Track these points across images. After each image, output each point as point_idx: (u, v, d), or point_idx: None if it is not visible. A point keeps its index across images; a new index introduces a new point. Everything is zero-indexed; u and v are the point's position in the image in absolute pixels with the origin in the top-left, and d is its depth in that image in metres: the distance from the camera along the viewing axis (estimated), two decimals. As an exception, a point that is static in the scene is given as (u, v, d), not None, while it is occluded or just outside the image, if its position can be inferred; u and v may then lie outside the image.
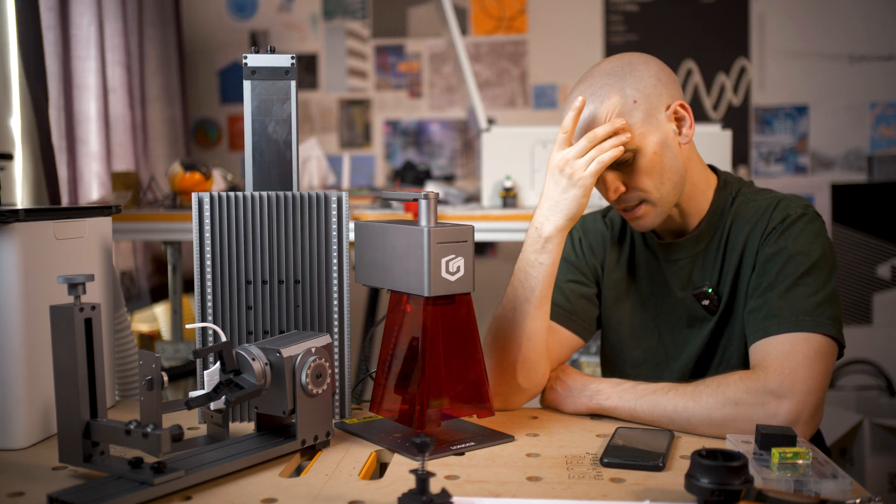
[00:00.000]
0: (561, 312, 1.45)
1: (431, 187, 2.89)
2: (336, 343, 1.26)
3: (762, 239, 1.33)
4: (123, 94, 3.03)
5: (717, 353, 1.39)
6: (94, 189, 2.82)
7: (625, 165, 1.31)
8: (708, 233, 1.39)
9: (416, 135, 3.72)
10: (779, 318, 1.24)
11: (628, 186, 1.32)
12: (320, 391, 1.10)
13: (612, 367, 1.52)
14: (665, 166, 1.31)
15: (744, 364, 1.34)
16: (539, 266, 1.29)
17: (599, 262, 1.50)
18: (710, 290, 1.37)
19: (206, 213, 1.23)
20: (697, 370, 1.41)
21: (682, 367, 1.42)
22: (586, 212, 1.59)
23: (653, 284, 1.45)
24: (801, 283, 1.26)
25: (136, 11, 3.15)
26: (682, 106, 1.33)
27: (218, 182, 2.72)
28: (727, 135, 2.44)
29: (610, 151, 1.26)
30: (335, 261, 1.26)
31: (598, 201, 2.49)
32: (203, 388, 1.20)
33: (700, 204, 1.39)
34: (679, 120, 1.34)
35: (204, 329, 1.24)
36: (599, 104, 1.29)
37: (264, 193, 1.25)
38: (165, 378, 1.02)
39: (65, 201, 2.66)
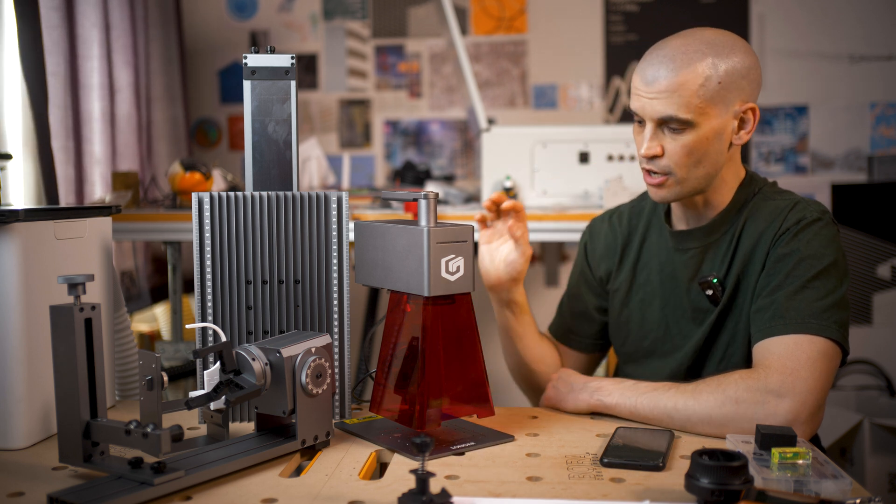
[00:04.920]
0: (585, 342, 1.59)
1: (431, 187, 2.89)
2: (336, 343, 1.26)
3: (775, 239, 1.33)
4: (129, 94, 3.03)
5: (719, 349, 1.39)
6: (98, 189, 2.82)
7: (674, 131, 1.31)
8: (721, 225, 1.39)
9: (416, 135, 3.72)
10: (785, 318, 1.24)
11: (665, 152, 1.32)
12: (320, 391, 1.10)
13: (623, 360, 1.53)
14: (708, 153, 1.32)
15: (746, 363, 1.34)
16: (497, 316, 1.52)
17: (608, 264, 1.55)
18: (714, 281, 1.38)
19: (206, 213, 1.23)
20: (697, 363, 1.41)
21: (683, 358, 1.42)
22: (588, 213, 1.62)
23: (662, 275, 1.45)
24: (810, 287, 1.26)
25: (141, 12, 3.15)
26: (752, 110, 1.33)
27: (218, 182, 2.72)
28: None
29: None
30: (335, 261, 1.26)
31: (597, 201, 2.49)
32: (203, 388, 1.20)
33: (724, 197, 1.40)
34: (742, 122, 1.33)
35: (204, 329, 1.24)
36: (685, 65, 1.28)
37: (264, 193, 1.25)
38: (165, 378, 1.02)
39: (70, 201, 2.66)
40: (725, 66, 1.28)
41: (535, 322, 1.53)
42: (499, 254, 1.43)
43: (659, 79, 1.29)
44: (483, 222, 1.44)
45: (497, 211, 1.43)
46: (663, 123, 1.31)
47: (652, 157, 1.33)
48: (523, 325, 1.50)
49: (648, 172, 1.35)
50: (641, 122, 1.35)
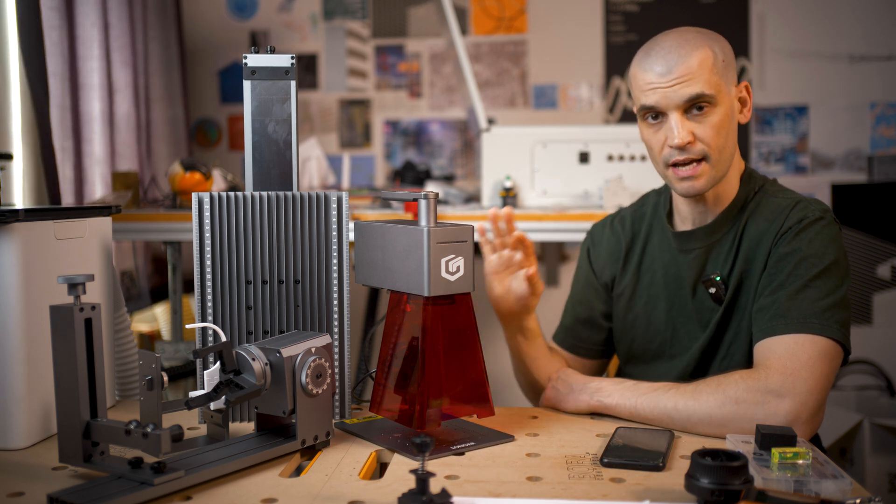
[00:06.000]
0: (593, 349, 1.58)
1: (431, 187, 2.89)
2: (336, 343, 1.26)
3: (776, 238, 1.33)
4: (128, 94, 3.03)
5: (722, 348, 1.39)
6: (98, 189, 2.82)
7: (698, 114, 1.31)
8: (723, 224, 1.39)
9: (416, 135, 3.72)
10: (786, 318, 1.24)
11: (696, 137, 1.32)
12: (320, 391, 1.10)
13: (629, 363, 1.53)
14: (730, 132, 1.34)
15: (747, 362, 1.34)
16: (508, 340, 1.50)
17: (612, 269, 1.55)
18: (718, 279, 1.37)
19: (206, 213, 1.23)
20: (701, 363, 1.41)
21: (689, 359, 1.42)
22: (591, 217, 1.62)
23: (667, 277, 1.45)
24: (812, 286, 1.26)
25: (140, 12, 3.15)
26: (746, 87, 1.38)
27: (218, 182, 2.72)
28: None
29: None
30: (335, 261, 1.26)
31: (597, 201, 2.49)
32: (203, 388, 1.20)
33: (731, 188, 1.40)
34: (742, 100, 1.38)
35: (204, 329, 1.24)
36: (692, 49, 1.30)
37: (264, 193, 1.25)
38: (165, 378, 1.02)
39: (70, 201, 2.66)
40: (720, 47, 1.33)
41: (545, 342, 1.51)
42: (508, 287, 1.39)
43: (674, 67, 1.30)
44: (483, 234, 1.42)
45: (499, 232, 1.39)
46: (688, 109, 1.31)
47: (684, 146, 1.31)
48: (535, 349, 1.47)
49: (676, 166, 1.33)
50: (657, 118, 1.34)
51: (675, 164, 1.33)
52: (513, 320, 1.44)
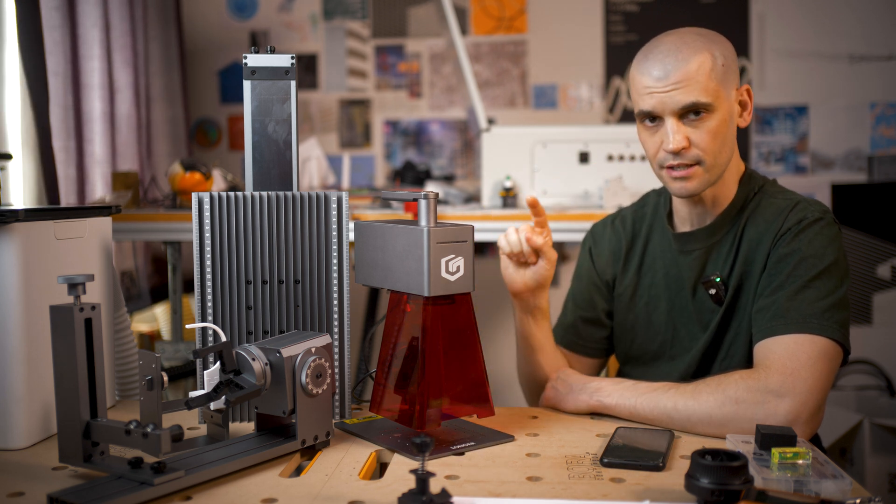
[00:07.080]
0: (595, 347, 1.57)
1: (431, 187, 2.89)
2: (336, 343, 1.26)
3: (776, 239, 1.33)
4: (129, 94, 3.03)
5: (722, 349, 1.39)
6: (98, 189, 2.82)
7: (694, 119, 1.31)
8: (723, 225, 1.40)
9: (416, 135, 3.72)
10: (786, 318, 1.24)
11: (691, 143, 1.32)
12: (320, 391, 1.10)
13: (629, 363, 1.53)
14: (727, 136, 1.34)
15: (748, 363, 1.34)
16: (518, 323, 1.46)
17: (613, 269, 1.55)
18: (717, 280, 1.38)
19: (206, 213, 1.23)
20: (702, 364, 1.41)
21: (691, 360, 1.42)
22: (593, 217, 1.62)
23: (667, 278, 1.46)
24: (811, 287, 1.26)
25: (141, 12, 3.15)
26: (747, 91, 1.38)
27: (218, 182, 2.72)
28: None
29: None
30: (335, 261, 1.26)
31: (597, 201, 2.49)
32: (203, 388, 1.20)
33: (728, 191, 1.40)
34: (742, 103, 1.38)
35: (204, 329, 1.24)
36: (691, 54, 1.30)
37: (264, 193, 1.25)
38: (165, 378, 1.02)
39: (70, 201, 2.66)
40: (721, 50, 1.33)
41: (551, 330, 1.50)
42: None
43: (671, 72, 1.30)
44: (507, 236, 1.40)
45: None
46: (684, 114, 1.31)
47: (679, 151, 1.32)
48: (543, 332, 1.45)
49: (671, 168, 1.34)
50: (654, 121, 1.34)
51: (670, 167, 1.34)
52: (527, 298, 1.41)
